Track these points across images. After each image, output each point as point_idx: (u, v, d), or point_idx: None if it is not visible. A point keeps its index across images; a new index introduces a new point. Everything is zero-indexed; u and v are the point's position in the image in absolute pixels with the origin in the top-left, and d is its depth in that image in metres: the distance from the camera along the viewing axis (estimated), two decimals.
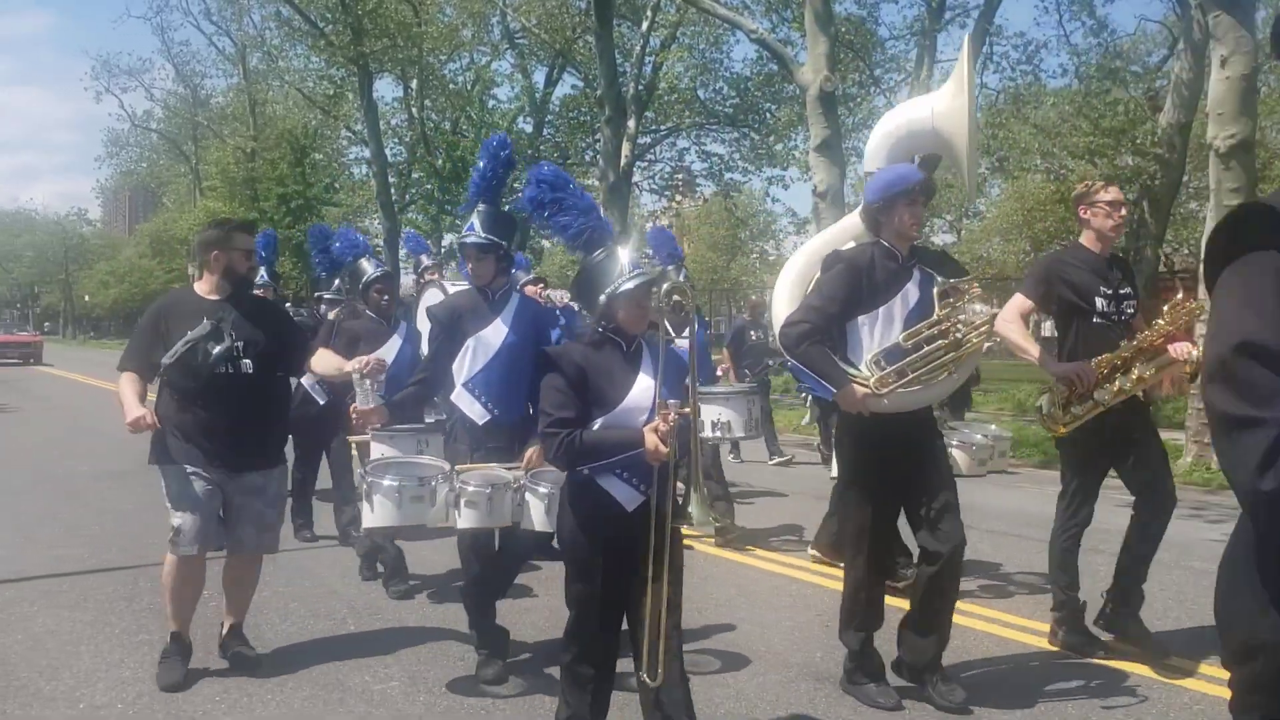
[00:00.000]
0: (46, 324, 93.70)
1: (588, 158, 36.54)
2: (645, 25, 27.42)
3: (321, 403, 7.62)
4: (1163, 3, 38.84)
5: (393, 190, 35.58)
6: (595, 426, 3.66)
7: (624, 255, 3.82)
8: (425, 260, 9.28)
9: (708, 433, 6.49)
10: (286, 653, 5.39)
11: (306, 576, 7.07)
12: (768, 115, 32.16)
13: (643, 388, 3.74)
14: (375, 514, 4.67)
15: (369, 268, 7.01)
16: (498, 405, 5.09)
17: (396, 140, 39.51)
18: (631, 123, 25.77)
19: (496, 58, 37.20)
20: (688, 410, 3.65)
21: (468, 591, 5.22)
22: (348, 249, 7.35)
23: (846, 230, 5.78)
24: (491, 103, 37.26)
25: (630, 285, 3.74)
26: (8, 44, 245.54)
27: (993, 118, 26.62)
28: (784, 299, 5.61)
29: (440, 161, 32.63)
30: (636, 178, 33.00)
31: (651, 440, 3.55)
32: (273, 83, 43.95)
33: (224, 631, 5.32)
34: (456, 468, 4.78)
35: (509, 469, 4.78)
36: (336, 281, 8.99)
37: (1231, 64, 11.90)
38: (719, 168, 35.21)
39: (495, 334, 5.13)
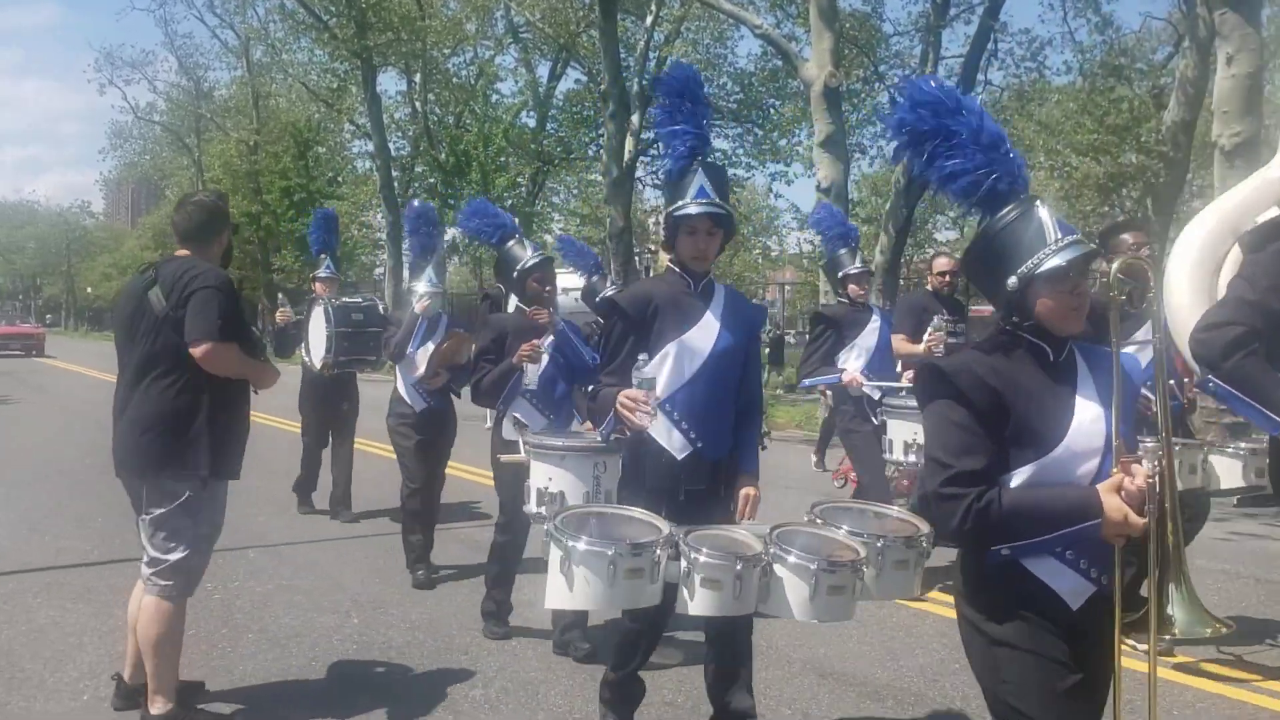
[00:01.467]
0: (49, 316, 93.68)
1: (591, 153, 36.53)
2: (649, 20, 27.39)
3: (418, 409, 6.86)
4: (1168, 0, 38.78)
5: (396, 184, 35.55)
6: (1017, 481, 2.50)
7: (1045, 213, 2.61)
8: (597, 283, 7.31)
9: (899, 455, 5.83)
10: (290, 645, 5.39)
11: (311, 570, 7.08)
12: (771, 111, 32.14)
13: (1088, 419, 2.56)
14: (576, 592, 3.12)
15: (523, 251, 5.65)
16: (703, 434, 3.86)
17: (400, 134, 39.46)
18: (635, 117, 25.75)
19: (500, 52, 37.18)
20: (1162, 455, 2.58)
21: (612, 681, 4.20)
22: (489, 228, 5.84)
23: (1268, 190, 4.33)
24: (495, 97, 37.25)
25: (1060, 260, 2.52)
26: (15, 35, 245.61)
27: (997, 114, 26.60)
28: (1185, 287, 4.18)
29: (443, 155, 32.61)
30: (639, 173, 32.96)
31: (1115, 505, 2.44)
32: (276, 76, 43.88)
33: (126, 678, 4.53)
34: (684, 529, 3.25)
35: (750, 529, 3.39)
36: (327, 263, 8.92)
37: (1237, 62, 11.89)
38: (722, 163, 35.14)
39: (704, 336, 3.88)
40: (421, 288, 7.05)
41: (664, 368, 3.85)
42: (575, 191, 41.74)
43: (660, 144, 3.67)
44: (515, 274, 5.59)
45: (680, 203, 3.81)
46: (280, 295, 7.72)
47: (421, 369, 6.77)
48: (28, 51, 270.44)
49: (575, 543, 3.09)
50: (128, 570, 6.92)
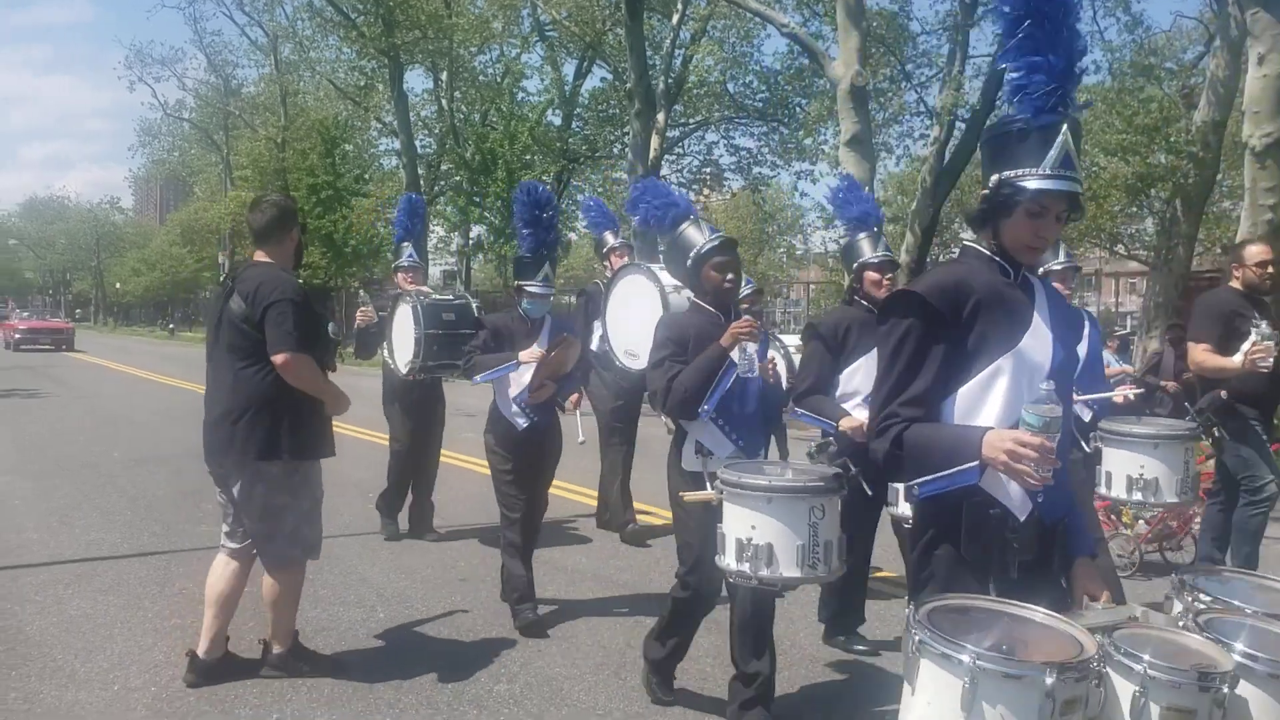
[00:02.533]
0: (78, 311, 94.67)
1: (616, 150, 36.54)
2: (676, 18, 27.38)
3: (520, 428, 5.90)
4: None
5: (422, 182, 35.66)
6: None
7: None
8: (610, 239, 7.79)
9: (1120, 492, 4.69)
10: (316, 640, 5.44)
11: (336, 564, 7.13)
12: (797, 109, 32.06)
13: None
14: None
15: (700, 234, 4.67)
16: (1045, 487, 2.50)
17: (426, 132, 39.63)
18: (661, 116, 25.75)
19: (526, 50, 37.24)
20: None
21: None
22: (660, 209, 4.98)
23: None
24: (521, 95, 37.32)
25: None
26: (46, 32, 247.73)
27: None
28: None
29: (469, 153, 32.70)
30: (664, 171, 32.94)
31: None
32: (304, 73, 44.20)
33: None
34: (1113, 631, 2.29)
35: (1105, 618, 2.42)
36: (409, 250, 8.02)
37: (1269, 61, 11.80)
38: (747, 161, 35.14)
39: (1040, 345, 2.67)
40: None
41: (995, 392, 2.64)
42: (600, 190, 41.77)
43: (1007, 87, 2.67)
44: (690, 261, 4.62)
45: (1028, 170, 2.62)
46: (362, 293, 7.30)
47: (525, 380, 5.75)
48: (57, 48, 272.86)
49: (983, 662, 2.01)
50: (155, 563, 7.02)
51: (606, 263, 7.77)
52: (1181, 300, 19.32)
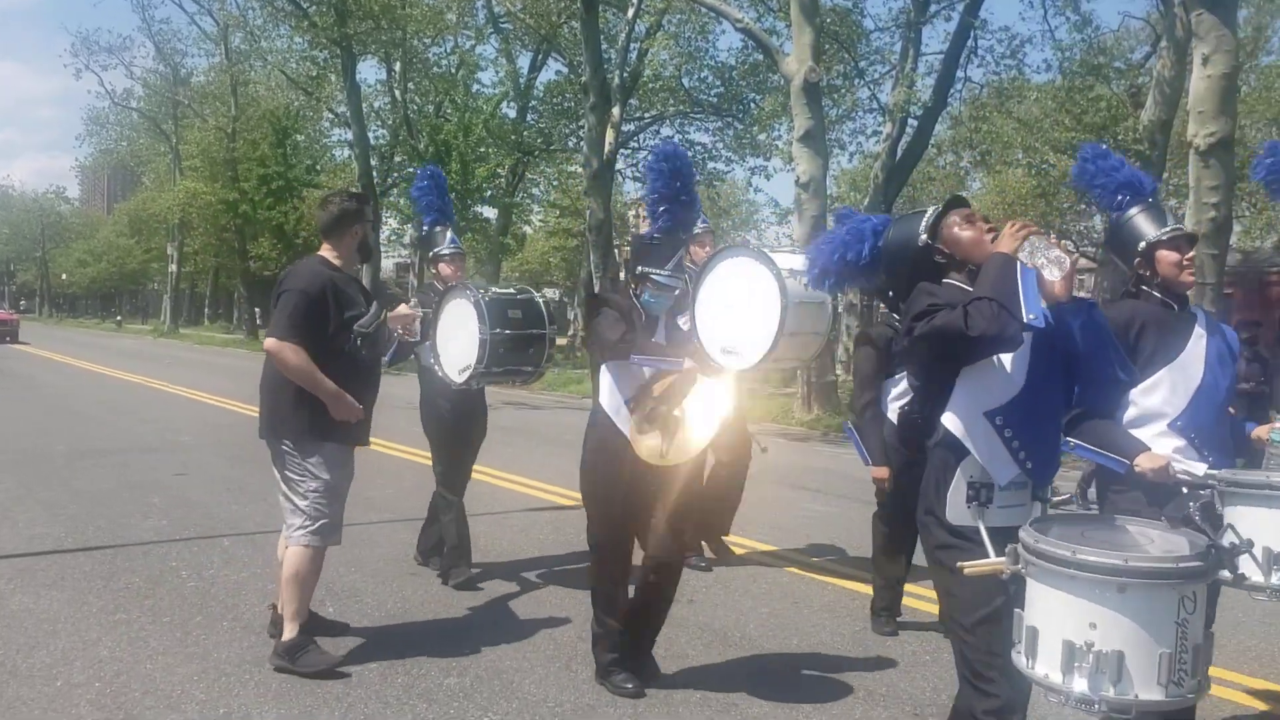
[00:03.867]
0: (22, 302, 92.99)
1: (571, 144, 36.48)
2: (631, 12, 27.35)
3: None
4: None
5: (375, 173, 35.40)
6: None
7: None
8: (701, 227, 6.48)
9: (1256, 574, 3.17)
10: (264, 635, 5.39)
11: None
12: (751, 105, 32.16)
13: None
14: None
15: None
16: None
17: (379, 123, 39.32)
18: (616, 110, 25.72)
19: (481, 42, 37.06)
20: None
21: None
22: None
23: None
24: (475, 87, 37.13)
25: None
26: None
27: (976, 111, 26.75)
28: None
29: (423, 145, 32.49)
30: (619, 165, 32.93)
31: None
32: (255, 63, 43.63)
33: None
34: None
35: None
36: (450, 234, 6.78)
37: (1213, 63, 12.00)
38: (702, 157, 35.18)
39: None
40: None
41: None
42: (555, 183, 41.70)
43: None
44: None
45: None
46: (409, 291, 6.32)
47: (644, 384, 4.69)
48: (1, 33, 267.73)
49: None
50: (100, 557, 6.93)
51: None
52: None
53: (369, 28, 31.37)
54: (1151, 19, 26.85)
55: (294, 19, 33.76)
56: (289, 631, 4.90)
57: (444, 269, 6.59)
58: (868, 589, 6.46)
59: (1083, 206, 32.92)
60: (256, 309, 44.67)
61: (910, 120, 25.09)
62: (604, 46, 25.51)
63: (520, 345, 5.92)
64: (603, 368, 4.72)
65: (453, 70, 37.33)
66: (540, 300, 6.16)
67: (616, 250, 27.34)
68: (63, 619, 5.60)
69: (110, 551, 7.11)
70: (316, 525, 4.93)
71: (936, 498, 3.32)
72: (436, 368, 6.16)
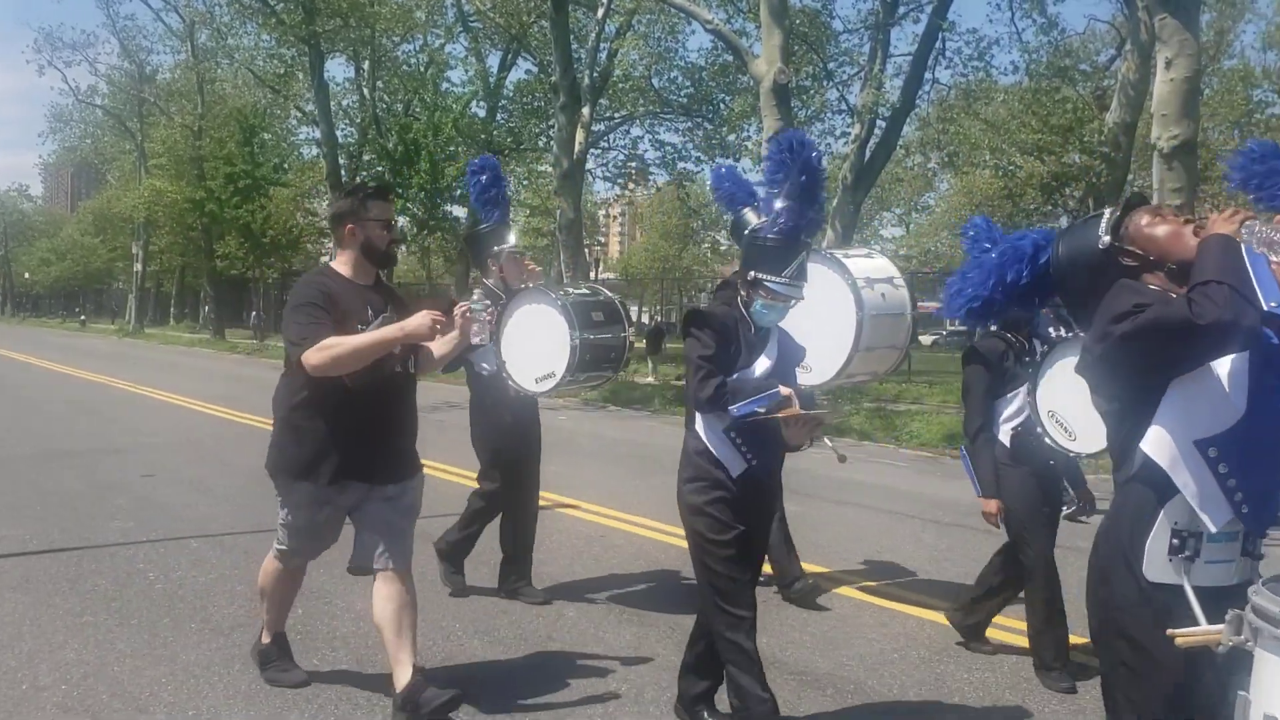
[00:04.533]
0: None
1: (541, 144, 36.44)
2: (601, 12, 27.36)
3: (736, 473, 4.17)
4: (1112, 3, 39.43)
5: (343, 172, 35.23)
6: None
7: None
8: (753, 218, 4.77)
9: None
10: (232, 635, 5.37)
11: (253, 559, 7.02)
12: (721, 106, 32.26)
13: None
14: None
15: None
16: None
17: (347, 121, 39.14)
18: (586, 110, 25.72)
19: (450, 40, 36.97)
20: None
21: None
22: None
23: None
24: (445, 86, 37.06)
25: None
26: None
27: (944, 113, 26.95)
28: None
29: (392, 144, 32.43)
30: (589, 165, 32.96)
31: None
32: (221, 60, 43.32)
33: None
34: None
35: None
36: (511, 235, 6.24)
37: (1176, 66, 12.13)
38: (672, 156, 35.28)
39: None
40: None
41: None
42: (525, 182, 41.64)
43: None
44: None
45: None
46: (476, 292, 5.18)
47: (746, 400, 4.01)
48: None
49: None
50: (66, 560, 6.87)
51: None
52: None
53: (337, 25, 31.21)
54: (1116, 22, 27.19)
55: (261, 16, 33.53)
56: (263, 637, 4.85)
57: (508, 270, 6.01)
58: (835, 588, 6.52)
59: (1049, 208, 33.24)
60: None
61: (879, 121, 25.23)
62: (574, 46, 25.50)
63: (603, 348, 5.58)
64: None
65: (422, 69, 37.21)
66: (616, 299, 5.83)
67: (587, 250, 27.32)
68: (28, 622, 5.56)
69: (77, 553, 7.05)
70: (279, 547, 4.67)
71: (1131, 546, 2.73)
72: (506, 377, 5.62)
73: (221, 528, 7.92)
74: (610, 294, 5.84)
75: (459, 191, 31.30)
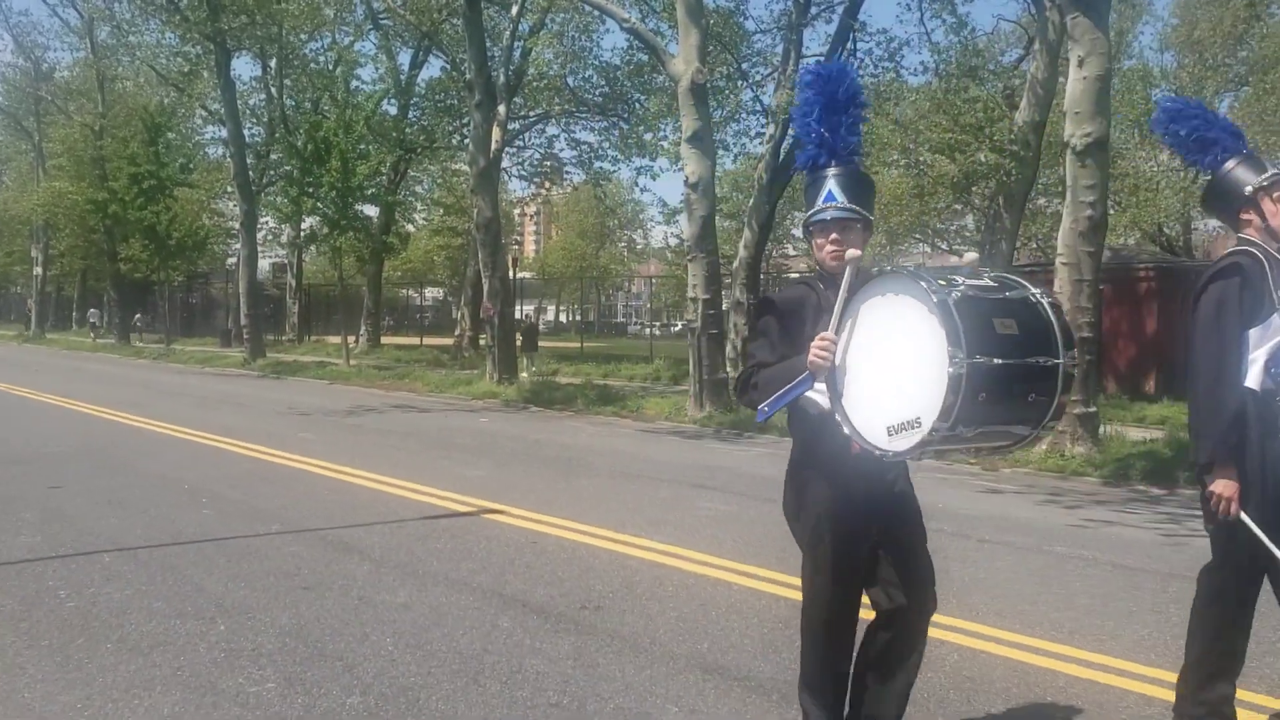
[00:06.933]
0: None
1: (455, 141, 36.09)
2: (515, 10, 27.15)
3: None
4: (1019, 3, 40.25)
5: (251, 171, 34.47)
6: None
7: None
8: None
9: None
10: (152, 655, 5.14)
11: (170, 573, 6.77)
12: (637, 105, 32.25)
13: None
14: None
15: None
16: None
17: (255, 120, 38.36)
18: (501, 108, 25.50)
19: (360, 38, 36.42)
20: None
21: None
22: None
23: None
24: (355, 84, 36.50)
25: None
26: None
27: None
28: None
29: (301, 142, 31.75)
30: (505, 164, 32.68)
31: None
32: (123, 58, 42.16)
33: None
34: None
35: None
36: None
37: (1088, 64, 12.36)
38: (588, 156, 35.21)
39: None
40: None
41: None
42: (439, 181, 41.18)
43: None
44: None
45: None
46: (762, 302, 3.83)
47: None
48: None
49: None
50: None
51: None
52: None
53: (243, 23, 30.60)
54: (1024, 22, 27.70)
55: (165, 13, 32.71)
56: None
57: (828, 247, 3.57)
58: (771, 588, 6.48)
59: (958, 207, 33.79)
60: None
61: (793, 122, 25.40)
62: (488, 44, 25.26)
63: (1013, 385, 3.18)
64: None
65: (331, 67, 36.62)
66: (1039, 296, 3.34)
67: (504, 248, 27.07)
68: None
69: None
70: None
71: None
72: (840, 422, 3.38)
73: (137, 540, 7.62)
74: (1031, 287, 3.37)
75: (371, 190, 30.82)
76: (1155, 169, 35.44)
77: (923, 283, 3.17)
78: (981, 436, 3.22)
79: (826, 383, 3.38)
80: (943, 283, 3.18)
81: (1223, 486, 3.78)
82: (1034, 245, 36.01)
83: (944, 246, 44.29)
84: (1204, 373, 3.85)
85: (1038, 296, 3.32)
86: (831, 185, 3.57)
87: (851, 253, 3.44)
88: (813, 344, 3.32)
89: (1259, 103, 31.78)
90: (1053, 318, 3.27)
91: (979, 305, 3.17)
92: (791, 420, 3.67)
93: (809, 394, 3.45)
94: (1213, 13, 39.49)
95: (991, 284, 3.33)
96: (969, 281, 3.24)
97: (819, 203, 3.58)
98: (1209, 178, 4.15)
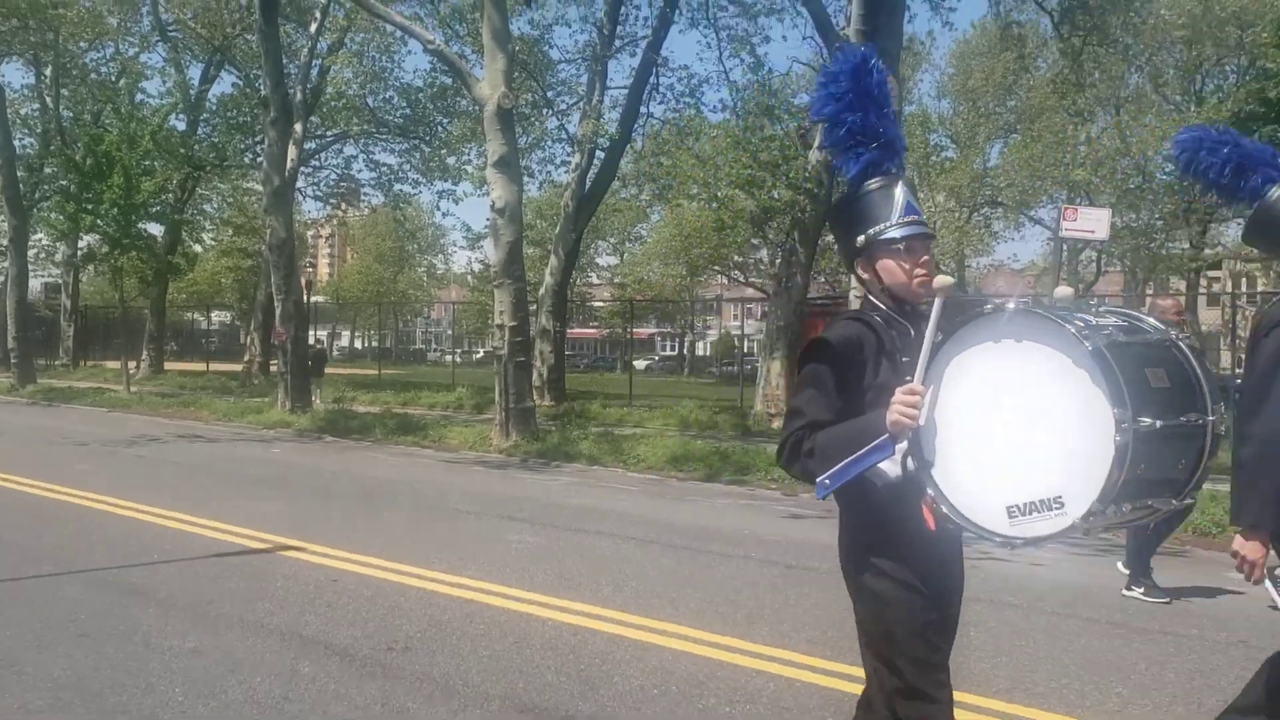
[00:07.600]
0: None
1: (247, 160, 34.79)
2: (314, 27, 26.43)
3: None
4: (811, 48, 41.82)
5: (21, 185, 32.29)
6: None
7: None
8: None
9: None
10: None
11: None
12: (440, 128, 31.88)
13: None
14: None
15: None
16: None
17: (26, 131, 36.00)
18: (298, 126, 24.72)
19: (146, 49, 34.74)
20: None
21: None
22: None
23: None
24: (141, 97, 34.74)
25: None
26: None
27: (658, 147, 27.65)
28: None
29: (80, 155, 29.96)
30: (300, 184, 31.70)
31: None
32: None
33: None
34: None
35: None
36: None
37: None
38: (388, 178, 34.52)
39: None
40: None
41: None
42: (230, 200, 39.59)
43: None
44: None
45: None
46: (813, 345, 2.91)
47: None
48: None
49: None
50: None
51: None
52: (799, 323, 20.82)
53: (15, 27, 28.69)
54: (817, 65, 28.74)
55: None
56: None
57: (918, 272, 2.94)
58: (587, 622, 6.36)
59: (755, 242, 34.73)
60: None
61: (598, 152, 25.62)
62: (285, 60, 24.49)
63: (1165, 452, 2.63)
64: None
65: (114, 78, 34.76)
66: (1184, 343, 2.79)
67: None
68: None
69: None
70: None
71: None
72: (939, 502, 2.77)
73: None
74: (1166, 326, 2.84)
75: (156, 208, 29.29)
76: (933, 209, 37.43)
77: (1070, 327, 2.55)
78: (1128, 515, 2.65)
79: (909, 447, 2.73)
80: (1080, 320, 2.61)
81: (1252, 550, 3.52)
82: (822, 279, 37.41)
83: (741, 278, 45.48)
84: (1269, 421, 3.51)
85: (1177, 338, 2.76)
86: (909, 196, 2.92)
87: (942, 278, 2.78)
88: (895, 398, 2.65)
89: (1025, 149, 33.93)
90: (1196, 365, 2.73)
91: (1130, 352, 2.60)
92: (844, 491, 2.84)
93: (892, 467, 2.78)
94: (985, 64, 42.19)
95: (1123, 321, 2.74)
96: (1097, 319, 2.65)
97: (896, 216, 2.87)
98: (1253, 209, 3.66)
